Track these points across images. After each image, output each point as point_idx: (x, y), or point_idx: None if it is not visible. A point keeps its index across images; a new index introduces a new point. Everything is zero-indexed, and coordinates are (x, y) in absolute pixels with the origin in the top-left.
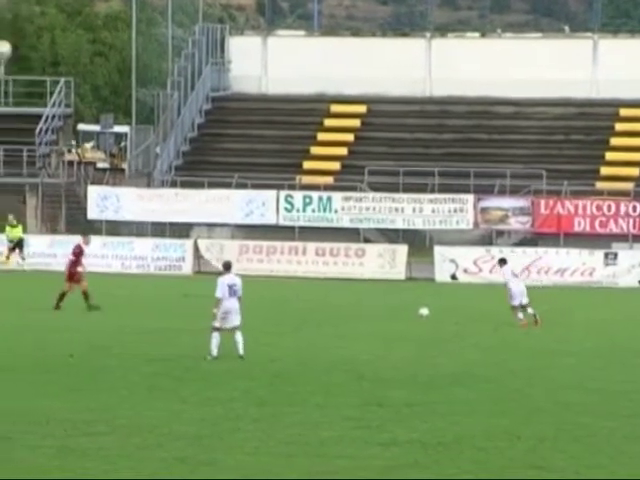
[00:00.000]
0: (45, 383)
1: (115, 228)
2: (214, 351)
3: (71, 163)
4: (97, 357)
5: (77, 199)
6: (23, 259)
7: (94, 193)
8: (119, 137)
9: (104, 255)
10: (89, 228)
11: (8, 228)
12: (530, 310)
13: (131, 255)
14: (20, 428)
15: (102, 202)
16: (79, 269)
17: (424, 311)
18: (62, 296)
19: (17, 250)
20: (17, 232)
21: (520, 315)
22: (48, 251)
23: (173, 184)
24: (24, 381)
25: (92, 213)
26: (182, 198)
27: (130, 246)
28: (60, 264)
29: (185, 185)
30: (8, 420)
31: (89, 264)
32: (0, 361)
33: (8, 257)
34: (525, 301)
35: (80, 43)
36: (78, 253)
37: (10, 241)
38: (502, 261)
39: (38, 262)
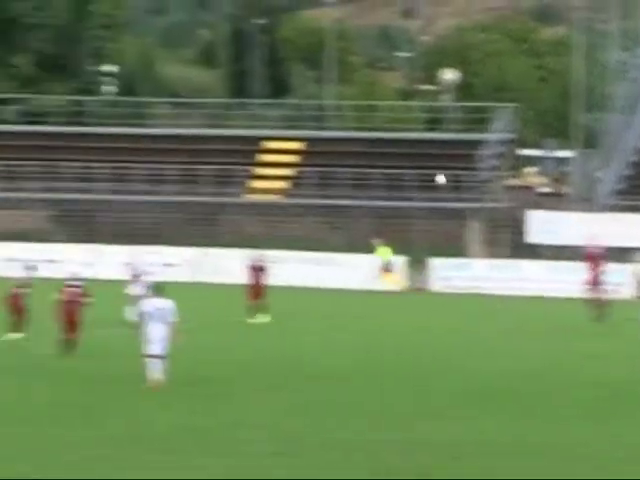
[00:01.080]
0: (489, 410)
1: (558, 253)
2: None
3: (512, 188)
4: (536, 383)
5: (517, 223)
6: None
7: (534, 217)
8: (562, 162)
9: (550, 280)
10: (530, 252)
11: (379, 250)
12: None
13: (573, 279)
14: (440, 460)
15: (543, 226)
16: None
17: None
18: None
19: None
20: (384, 253)
21: None
22: (488, 275)
23: (614, 208)
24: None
25: (532, 237)
26: (623, 222)
27: (572, 270)
28: (500, 289)
29: (626, 209)
30: (428, 449)
31: (541, 289)
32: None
33: (392, 275)
34: None
35: (526, 69)
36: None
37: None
38: None
39: (479, 286)
